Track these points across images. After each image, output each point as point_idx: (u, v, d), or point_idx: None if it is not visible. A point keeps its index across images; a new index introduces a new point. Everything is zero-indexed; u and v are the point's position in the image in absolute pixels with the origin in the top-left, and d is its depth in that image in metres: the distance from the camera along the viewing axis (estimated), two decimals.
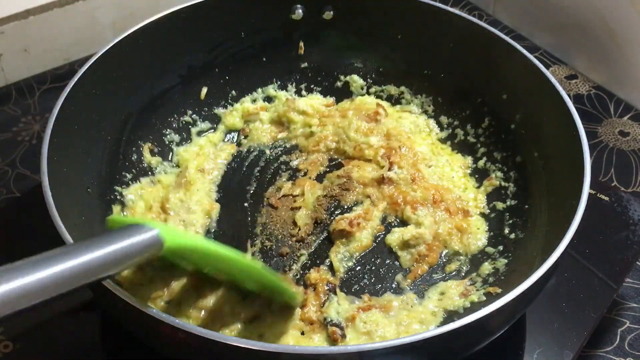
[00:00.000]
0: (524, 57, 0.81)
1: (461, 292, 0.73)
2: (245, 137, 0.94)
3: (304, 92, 0.99)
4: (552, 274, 0.63)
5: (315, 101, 0.97)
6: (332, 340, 0.65)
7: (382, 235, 0.81)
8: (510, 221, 0.81)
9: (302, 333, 0.66)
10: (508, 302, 0.55)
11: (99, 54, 0.79)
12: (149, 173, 0.86)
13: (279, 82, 0.99)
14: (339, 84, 1.00)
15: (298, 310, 0.69)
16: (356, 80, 0.98)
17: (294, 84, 0.99)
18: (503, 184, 0.85)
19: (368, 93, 0.99)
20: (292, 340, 0.64)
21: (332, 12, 0.95)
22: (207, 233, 0.81)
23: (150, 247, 0.53)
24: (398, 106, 0.97)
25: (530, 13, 1.18)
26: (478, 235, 0.80)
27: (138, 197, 0.83)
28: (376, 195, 0.84)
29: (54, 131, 0.70)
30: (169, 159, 0.89)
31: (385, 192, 0.84)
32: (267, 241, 0.80)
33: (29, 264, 0.46)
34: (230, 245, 0.65)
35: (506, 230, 0.80)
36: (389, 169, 0.84)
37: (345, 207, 0.84)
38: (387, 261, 0.78)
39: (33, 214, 0.82)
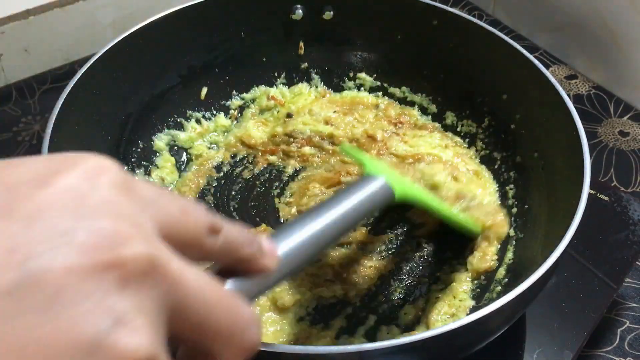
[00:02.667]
0: (524, 57, 0.81)
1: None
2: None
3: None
4: (552, 274, 0.63)
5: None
6: None
7: None
8: (510, 221, 0.81)
9: None
10: (508, 302, 0.55)
11: (99, 54, 0.79)
12: (149, 174, 0.87)
13: (279, 82, 0.99)
14: (341, 84, 1.00)
15: None
16: (364, 78, 0.98)
17: (294, 84, 0.99)
18: (503, 182, 0.85)
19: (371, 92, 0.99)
20: None
21: (332, 12, 0.95)
22: None
23: (384, 200, 0.62)
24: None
25: (530, 13, 1.18)
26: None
27: None
28: None
29: (54, 131, 0.70)
30: None
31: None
32: None
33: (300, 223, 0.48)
34: None
35: None
36: None
37: None
38: None
39: None
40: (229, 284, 0.39)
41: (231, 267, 0.39)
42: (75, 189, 0.29)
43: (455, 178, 0.85)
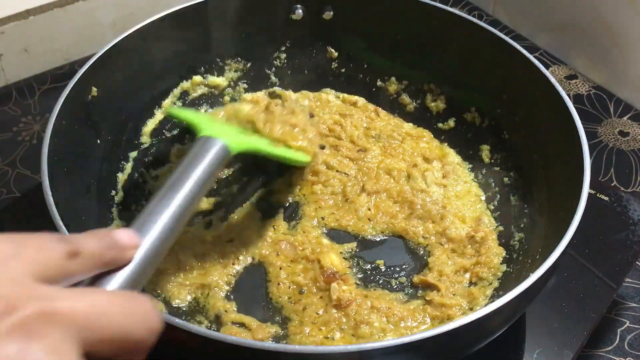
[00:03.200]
0: (524, 57, 0.81)
1: None
2: None
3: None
4: (552, 274, 0.63)
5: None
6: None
7: None
8: (510, 221, 0.81)
9: None
10: (508, 302, 0.55)
11: (99, 54, 0.79)
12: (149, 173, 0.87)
13: (279, 83, 0.99)
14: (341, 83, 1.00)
15: None
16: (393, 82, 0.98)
17: (294, 84, 0.99)
18: (503, 182, 0.85)
19: (370, 92, 0.99)
20: None
21: (332, 12, 0.95)
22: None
23: (224, 159, 0.64)
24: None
25: (530, 13, 1.18)
26: None
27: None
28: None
29: (54, 131, 0.69)
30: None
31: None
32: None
33: (149, 215, 0.51)
34: None
35: None
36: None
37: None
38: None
39: (33, 214, 0.82)
40: (111, 285, 0.43)
41: (102, 270, 0.43)
42: None
43: (444, 185, 0.85)
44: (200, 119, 0.76)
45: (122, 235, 0.45)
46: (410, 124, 0.95)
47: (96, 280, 0.43)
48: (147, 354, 0.39)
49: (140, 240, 0.47)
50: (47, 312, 0.34)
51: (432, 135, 0.93)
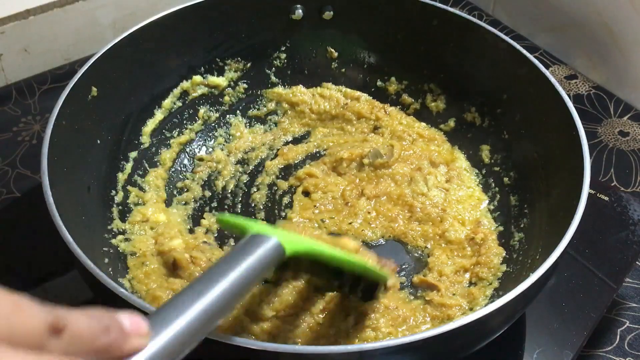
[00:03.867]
0: (524, 57, 0.81)
1: None
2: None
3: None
4: (552, 274, 0.63)
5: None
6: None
7: None
8: (510, 221, 0.81)
9: None
10: (508, 302, 0.55)
11: (99, 54, 0.79)
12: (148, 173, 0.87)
13: (279, 83, 0.99)
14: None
15: None
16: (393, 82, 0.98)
17: (294, 84, 0.99)
18: (503, 182, 0.85)
19: (370, 92, 0.99)
20: None
21: (332, 12, 0.95)
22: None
23: (275, 259, 0.55)
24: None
25: (530, 13, 1.18)
26: None
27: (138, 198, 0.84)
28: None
29: (54, 131, 0.70)
30: None
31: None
32: None
33: (175, 306, 0.43)
34: None
35: None
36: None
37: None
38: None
39: (33, 214, 0.82)
40: None
41: (99, 358, 0.34)
42: None
43: (446, 189, 0.85)
44: (251, 221, 0.68)
45: (126, 319, 0.36)
46: (424, 124, 0.94)
47: None
48: None
49: (155, 331, 0.39)
50: None
51: (444, 138, 0.93)
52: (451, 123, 0.93)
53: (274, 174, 0.89)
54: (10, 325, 0.29)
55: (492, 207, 0.84)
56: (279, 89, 0.98)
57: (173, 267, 0.73)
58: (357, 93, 0.98)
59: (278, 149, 0.93)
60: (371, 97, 0.97)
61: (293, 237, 0.62)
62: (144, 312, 0.54)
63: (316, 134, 0.95)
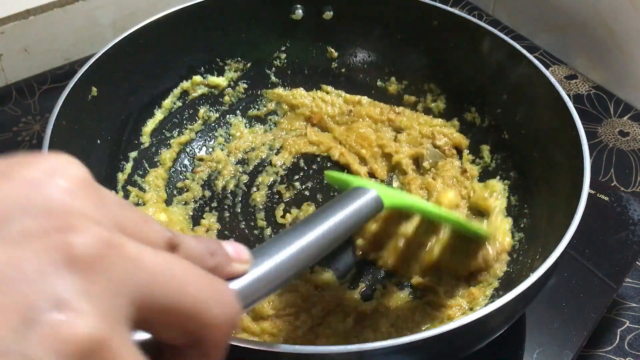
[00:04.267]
0: (524, 57, 0.81)
1: None
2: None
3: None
4: (552, 274, 0.63)
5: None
6: None
7: None
8: (510, 221, 0.81)
9: None
10: (508, 302, 0.55)
11: (99, 54, 0.79)
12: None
13: (279, 83, 0.99)
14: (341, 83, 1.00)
15: None
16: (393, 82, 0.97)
17: (294, 84, 0.99)
18: (503, 182, 0.85)
19: (370, 92, 0.99)
20: None
21: (332, 12, 0.95)
22: None
23: (373, 210, 0.59)
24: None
25: (530, 13, 1.18)
26: None
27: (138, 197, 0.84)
28: None
29: (54, 131, 0.69)
30: None
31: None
32: None
33: (276, 242, 0.46)
34: None
35: None
36: None
37: None
38: None
39: None
40: None
41: None
42: (33, 180, 0.29)
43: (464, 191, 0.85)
44: (359, 178, 0.71)
45: (230, 246, 0.39)
46: (440, 120, 0.93)
47: None
48: None
49: (256, 260, 0.42)
50: (109, 246, 0.28)
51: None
52: (455, 122, 0.93)
53: (276, 174, 0.90)
54: (141, 232, 0.31)
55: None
56: (279, 90, 0.98)
57: None
58: (357, 97, 0.98)
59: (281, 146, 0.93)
60: (371, 99, 0.98)
61: (391, 192, 0.68)
62: None
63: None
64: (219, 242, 0.39)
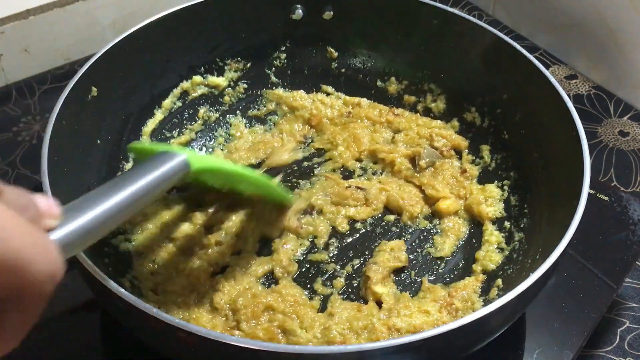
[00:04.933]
0: (524, 57, 0.81)
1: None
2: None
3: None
4: (552, 273, 0.63)
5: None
6: None
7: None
8: (510, 221, 0.81)
9: None
10: (508, 301, 0.55)
11: (99, 54, 0.79)
12: None
13: (279, 83, 0.99)
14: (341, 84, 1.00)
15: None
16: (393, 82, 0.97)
17: (294, 84, 0.99)
18: (503, 182, 0.85)
19: (370, 92, 0.99)
20: None
21: (332, 12, 0.95)
22: None
23: (180, 172, 0.60)
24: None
25: (530, 13, 1.18)
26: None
27: None
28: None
29: (54, 131, 0.69)
30: None
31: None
32: None
33: (86, 201, 0.50)
34: None
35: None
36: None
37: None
38: None
39: None
40: None
41: None
42: None
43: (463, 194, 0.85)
44: (162, 145, 0.73)
45: (42, 200, 0.40)
46: (439, 121, 0.93)
47: None
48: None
49: (70, 216, 0.45)
50: None
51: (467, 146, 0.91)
52: (455, 122, 0.93)
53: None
54: None
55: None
56: (280, 91, 0.98)
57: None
58: (357, 99, 0.98)
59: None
60: (371, 100, 0.97)
61: (200, 156, 0.70)
62: (144, 312, 0.54)
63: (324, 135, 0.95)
64: (32, 197, 0.39)
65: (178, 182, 0.63)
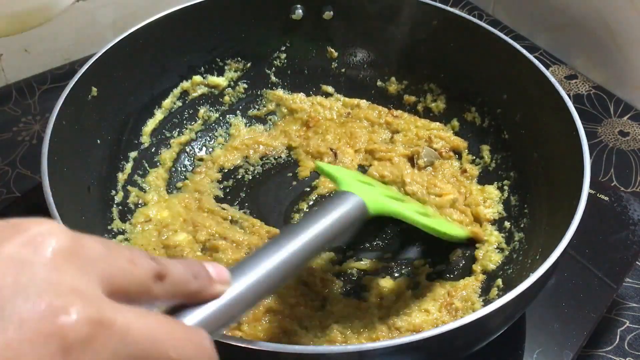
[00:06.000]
0: (524, 57, 0.81)
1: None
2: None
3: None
4: (552, 274, 0.63)
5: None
6: None
7: None
8: (510, 221, 0.81)
9: None
10: (508, 302, 0.55)
11: (99, 54, 0.79)
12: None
13: (279, 83, 0.99)
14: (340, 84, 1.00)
15: None
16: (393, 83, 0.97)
17: (294, 84, 0.99)
18: (503, 182, 0.85)
19: (369, 92, 0.99)
20: None
21: (332, 12, 0.95)
22: None
23: (360, 218, 0.58)
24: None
25: (530, 13, 1.18)
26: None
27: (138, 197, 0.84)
28: None
29: (54, 131, 0.69)
30: None
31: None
32: None
33: (261, 256, 0.47)
34: None
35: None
36: None
37: None
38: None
39: (33, 214, 0.82)
40: (189, 319, 0.39)
41: (185, 302, 0.40)
42: (17, 259, 0.30)
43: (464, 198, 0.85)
44: (345, 175, 0.69)
45: (211, 267, 0.41)
46: (437, 123, 0.93)
47: (176, 311, 0.40)
48: None
49: (234, 279, 0.43)
50: (100, 324, 0.29)
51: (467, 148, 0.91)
52: (455, 122, 0.93)
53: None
54: (131, 276, 0.34)
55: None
56: (280, 92, 0.98)
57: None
58: (356, 100, 0.98)
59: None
60: (371, 101, 0.97)
61: (379, 198, 0.65)
62: None
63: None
64: (202, 264, 0.41)
65: (355, 226, 0.59)
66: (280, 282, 0.47)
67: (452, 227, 0.76)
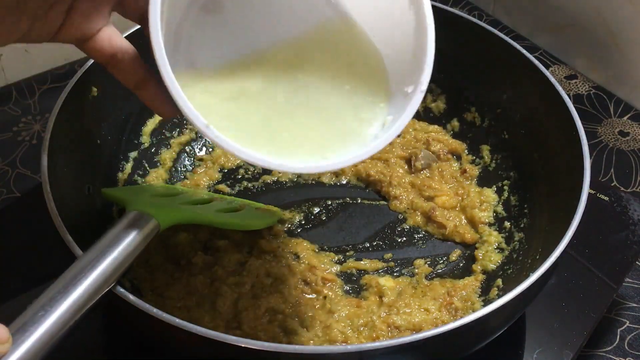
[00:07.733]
0: (524, 57, 0.81)
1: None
2: None
3: None
4: (552, 274, 0.63)
5: None
6: None
7: None
8: (510, 221, 0.81)
9: None
10: (507, 301, 0.55)
11: None
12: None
13: None
14: None
15: None
16: None
17: None
18: (503, 182, 0.85)
19: None
20: None
21: None
22: None
23: (151, 234, 0.59)
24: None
25: (530, 13, 1.18)
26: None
27: None
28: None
29: (54, 131, 0.69)
30: None
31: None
32: None
33: (47, 298, 0.47)
34: None
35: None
36: None
37: None
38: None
39: (33, 214, 0.82)
40: None
41: None
42: None
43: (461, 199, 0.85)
44: (130, 192, 0.72)
45: None
46: (435, 126, 0.93)
47: None
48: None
49: (21, 336, 0.43)
50: None
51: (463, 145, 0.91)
52: (455, 123, 0.93)
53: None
54: None
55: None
56: None
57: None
58: None
59: None
60: None
61: (172, 210, 0.68)
62: (142, 312, 0.54)
63: None
64: None
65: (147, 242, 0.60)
66: (71, 322, 0.48)
67: (255, 219, 0.78)
